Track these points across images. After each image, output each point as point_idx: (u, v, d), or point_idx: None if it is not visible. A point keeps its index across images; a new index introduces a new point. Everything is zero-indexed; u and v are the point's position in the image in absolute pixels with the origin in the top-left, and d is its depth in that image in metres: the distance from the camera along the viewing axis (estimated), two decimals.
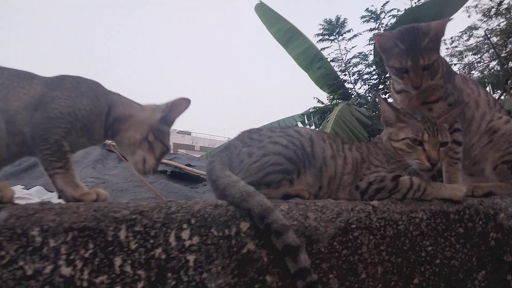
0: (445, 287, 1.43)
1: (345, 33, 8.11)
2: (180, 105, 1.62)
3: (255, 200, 1.25)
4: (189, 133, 31.78)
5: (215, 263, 1.22)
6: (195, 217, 1.25)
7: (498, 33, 10.36)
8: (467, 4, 8.20)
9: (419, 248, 1.43)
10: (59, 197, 1.44)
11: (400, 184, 1.47)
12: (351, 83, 8.22)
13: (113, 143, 1.56)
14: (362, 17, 7.70)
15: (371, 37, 7.76)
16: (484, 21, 10.77)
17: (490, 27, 10.70)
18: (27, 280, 1.09)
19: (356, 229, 1.37)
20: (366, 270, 1.34)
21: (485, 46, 10.62)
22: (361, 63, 8.05)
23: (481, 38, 10.74)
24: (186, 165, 4.92)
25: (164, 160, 5.09)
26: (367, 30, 7.81)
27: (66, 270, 1.12)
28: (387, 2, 7.46)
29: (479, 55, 10.95)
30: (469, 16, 11.08)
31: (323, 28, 8.20)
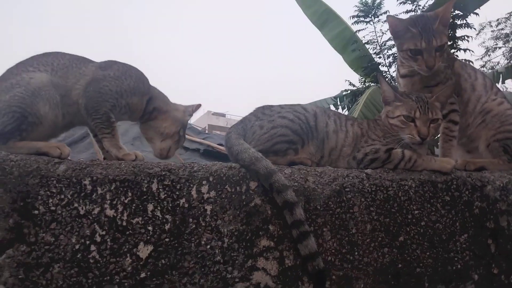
0: (428, 246, 1.63)
1: (381, 14, 8.01)
2: (198, 110, 2.00)
3: (261, 163, 1.50)
4: (223, 115, 32.31)
5: (228, 213, 1.49)
6: (213, 175, 1.52)
7: None
8: None
9: (406, 211, 1.64)
10: (104, 158, 1.75)
11: (392, 155, 1.67)
12: (386, 65, 8.12)
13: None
14: None
15: None
16: None
17: None
18: (80, 218, 1.41)
19: (349, 192, 1.59)
20: (356, 226, 1.57)
21: None
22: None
23: None
24: (218, 144, 5.22)
25: (197, 139, 5.44)
26: (403, 12, 7.70)
27: (110, 212, 1.43)
28: None
29: None
30: None
31: (358, 9, 8.17)
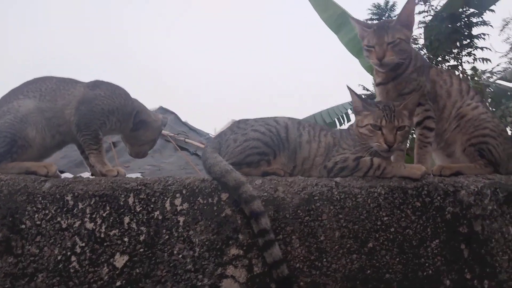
0: (398, 252, 1.67)
1: (394, 17, 7.97)
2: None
3: (231, 175, 1.59)
4: None
5: (200, 224, 1.58)
6: (186, 188, 1.62)
7: None
8: None
9: (375, 217, 1.68)
10: (92, 174, 1.89)
11: (361, 163, 1.73)
12: None
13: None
14: None
15: (420, 21, 7.64)
16: None
17: None
18: (62, 231, 1.54)
19: (318, 200, 1.66)
20: (325, 234, 1.63)
21: None
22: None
23: None
24: None
25: None
26: (416, 13, 7.62)
27: (89, 225, 1.55)
28: None
29: None
30: None
31: (371, 12, 8.17)
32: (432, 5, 7.38)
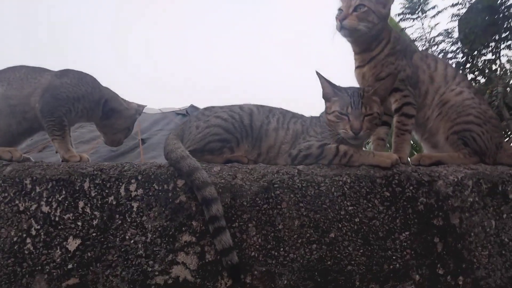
0: (362, 243, 1.58)
1: (428, 10, 7.67)
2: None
3: (185, 162, 1.56)
4: None
5: (153, 210, 1.56)
6: (142, 174, 1.61)
7: None
8: None
9: (339, 207, 1.60)
10: (63, 161, 1.91)
11: (325, 151, 1.65)
12: None
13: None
14: None
15: (453, 13, 7.27)
16: None
17: None
18: (19, 214, 1.55)
19: (278, 188, 1.59)
20: (283, 222, 1.56)
21: None
22: (445, 41, 7.55)
23: None
24: None
25: None
26: (449, 6, 7.27)
27: (45, 208, 1.56)
28: None
29: None
30: None
31: (404, 6, 7.88)
32: None
